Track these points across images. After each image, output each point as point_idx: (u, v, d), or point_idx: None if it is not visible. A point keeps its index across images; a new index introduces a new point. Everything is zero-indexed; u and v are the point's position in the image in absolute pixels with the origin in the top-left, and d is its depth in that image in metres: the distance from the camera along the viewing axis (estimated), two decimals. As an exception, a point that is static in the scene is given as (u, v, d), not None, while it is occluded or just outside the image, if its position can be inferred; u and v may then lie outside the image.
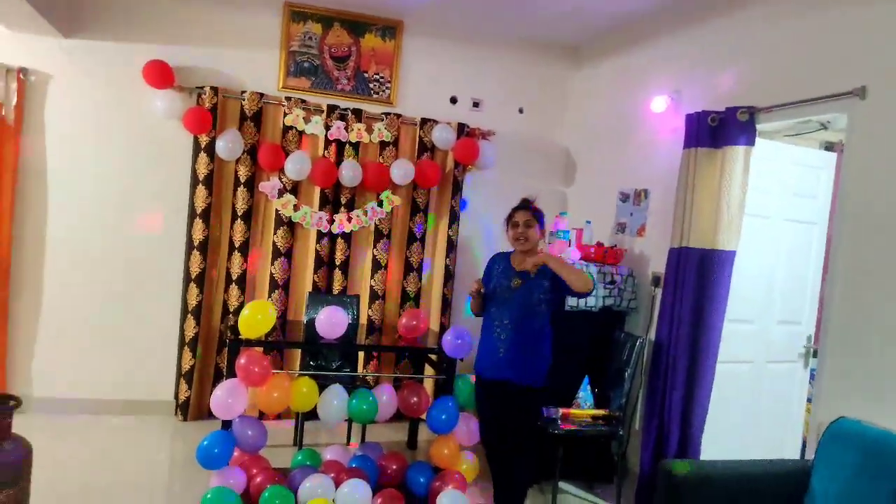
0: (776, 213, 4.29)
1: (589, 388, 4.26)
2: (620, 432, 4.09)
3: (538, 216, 3.61)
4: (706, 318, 3.93)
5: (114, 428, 4.70)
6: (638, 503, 4.16)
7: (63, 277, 4.80)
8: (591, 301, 4.40)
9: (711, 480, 3.06)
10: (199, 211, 4.87)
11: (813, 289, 4.47)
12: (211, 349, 4.99)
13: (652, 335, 4.33)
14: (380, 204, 5.20)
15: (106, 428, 4.68)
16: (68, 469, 3.99)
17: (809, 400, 4.71)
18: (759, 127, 3.90)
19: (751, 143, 3.90)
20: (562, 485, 4.28)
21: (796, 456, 4.51)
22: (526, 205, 3.63)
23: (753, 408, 4.30)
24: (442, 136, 5.22)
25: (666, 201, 4.43)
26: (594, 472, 4.46)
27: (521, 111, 5.65)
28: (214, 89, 4.86)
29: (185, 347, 4.91)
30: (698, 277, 3.98)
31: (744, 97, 3.95)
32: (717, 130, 4.01)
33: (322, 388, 4.07)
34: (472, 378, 4.03)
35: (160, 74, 4.75)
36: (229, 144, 4.82)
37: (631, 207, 4.83)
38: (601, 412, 4.17)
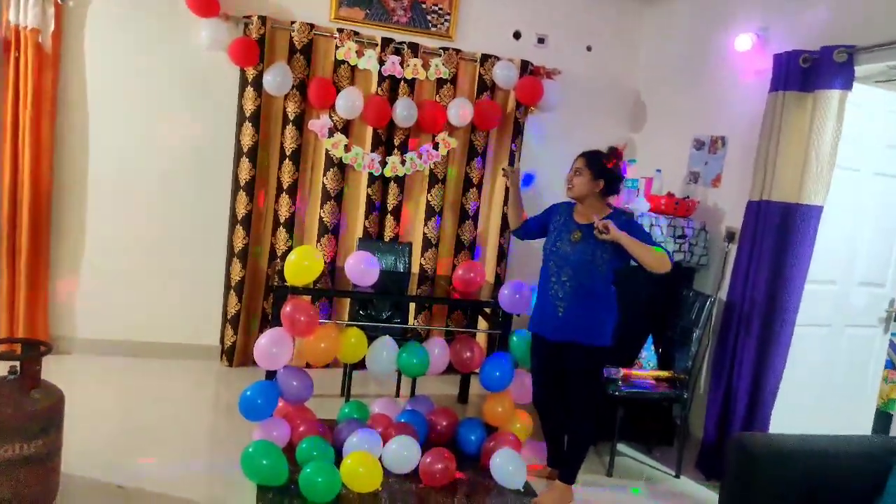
0: (865, 166, 4.02)
1: (653, 347, 4.10)
2: (685, 396, 3.94)
3: (593, 165, 3.42)
4: (786, 278, 3.73)
5: (157, 371, 4.74)
6: (699, 469, 4.05)
7: (106, 217, 4.78)
8: (658, 256, 4.19)
9: (788, 456, 2.90)
10: (245, 149, 4.78)
11: (901, 249, 4.23)
12: (258, 294, 4.98)
13: (723, 294, 4.14)
14: (435, 146, 5.02)
15: (149, 371, 4.72)
16: (109, 412, 4.02)
17: (889, 366, 4.50)
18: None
19: (847, 87, 3.63)
20: (619, 447, 4.17)
21: (868, 427, 4.35)
22: (585, 152, 3.48)
23: (827, 375, 4.11)
24: (503, 74, 5.00)
25: (745, 150, 4.18)
26: (653, 435, 4.35)
27: (588, 49, 5.38)
28: (262, 19, 4.70)
29: (231, 291, 4.90)
30: (779, 233, 3.77)
31: (839, 35, 3.65)
32: (809, 72, 3.73)
33: (371, 339, 4.01)
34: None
35: (205, 2, 4.60)
36: (278, 79, 4.69)
37: (706, 156, 4.57)
38: (665, 374, 4.03)
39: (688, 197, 4.47)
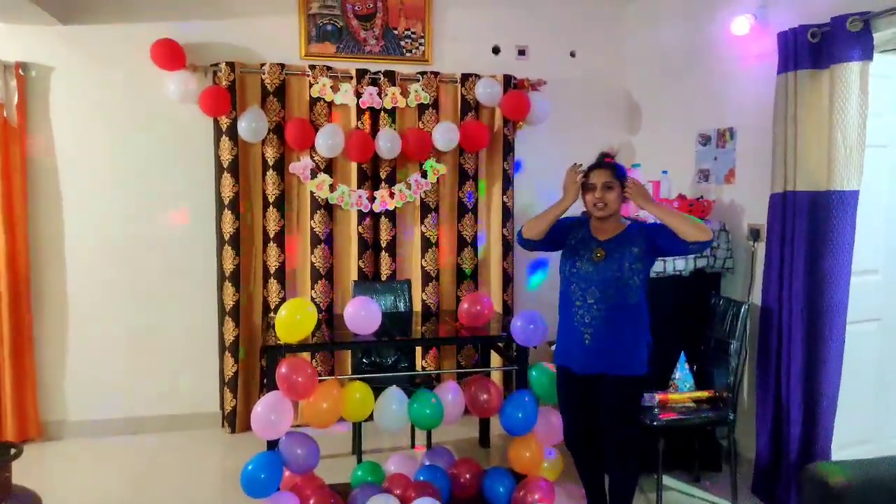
0: (893, 141, 3.40)
1: (686, 366, 3.46)
2: (731, 416, 3.29)
3: (620, 175, 2.80)
4: (827, 274, 3.13)
5: (156, 448, 4.10)
6: (756, 495, 3.41)
7: (88, 287, 4.20)
8: (679, 264, 3.58)
9: (873, 486, 2.27)
10: (226, 201, 4.21)
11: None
12: (254, 352, 4.35)
13: (756, 298, 3.51)
14: (424, 175, 4.43)
15: (148, 448, 4.09)
16: (107, 499, 3.42)
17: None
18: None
19: (868, 56, 3.05)
20: (664, 479, 3.50)
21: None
22: (603, 162, 2.82)
23: (885, 374, 3.47)
24: (486, 92, 4.41)
25: (758, 140, 3.59)
26: (698, 461, 3.68)
27: (572, 55, 4.79)
28: (230, 65, 4.15)
29: (227, 352, 4.28)
30: (812, 225, 3.17)
31: (846, 4, 3.06)
32: (820, 47, 3.16)
33: (378, 391, 3.37)
34: (550, 366, 3.28)
35: (169, 54, 4.06)
36: (252, 124, 4.13)
37: (714, 151, 3.97)
38: (704, 394, 3.40)
39: (701, 197, 3.85)
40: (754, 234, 3.62)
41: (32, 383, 4.09)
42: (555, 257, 3.06)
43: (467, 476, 3.40)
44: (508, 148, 4.57)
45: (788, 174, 3.25)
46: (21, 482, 2.68)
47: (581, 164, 2.88)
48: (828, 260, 3.10)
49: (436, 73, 4.43)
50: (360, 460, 3.69)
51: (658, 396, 3.33)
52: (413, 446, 4.04)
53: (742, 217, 3.74)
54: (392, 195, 4.39)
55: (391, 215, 4.44)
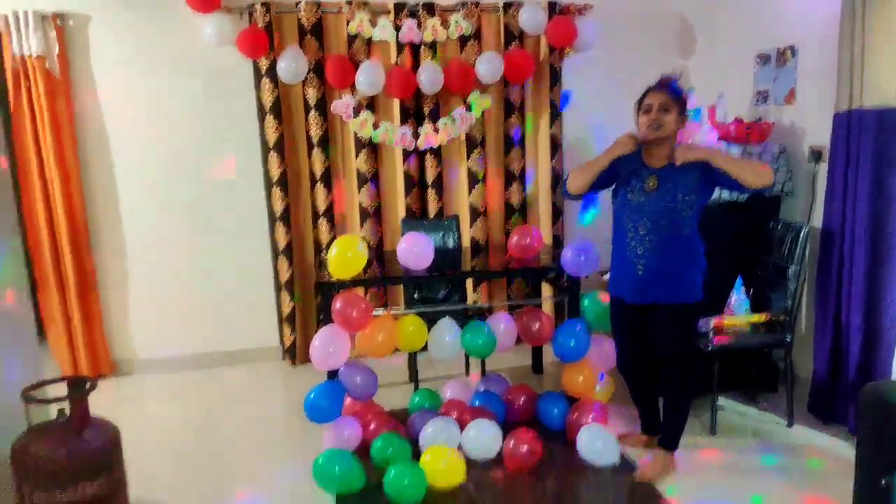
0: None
1: (743, 289, 3.39)
2: (788, 339, 3.24)
3: (678, 98, 2.71)
4: (893, 194, 2.98)
5: (221, 381, 4.26)
6: (813, 413, 3.38)
7: (143, 231, 4.28)
8: (735, 189, 3.46)
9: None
10: (271, 144, 4.20)
11: None
12: (309, 289, 4.42)
13: (817, 222, 3.39)
14: (468, 108, 4.34)
15: (213, 382, 4.24)
16: (175, 431, 3.60)
17: None
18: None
19: (946, -44, 2.81)
20: (719, 401, 3.49)
21: None
22: (663, 84, 2.73)
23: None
24: (531, 19, 4.26)
25: (821, 57, 3.42)
26: (755, 383, 3.65)
27: (619, -25, 4.58)
28: (266, 5, 4.08)
29: (282, 290, 4.36)
30: (879, 144, 3.02)
31: None
32: (893, -52, 2.92)
33: (431, 322, 3.41)
34: (604, 297, 3.26)
35: (205, -3, 3.98)
36: (292, 65, 4.07)
37: (773, 71, 3.79)
38: (761, 317, 3.34)
39: (759, 119, 3.70)
40: (816, 155, 3.48)
41: (100, 323, 4.24)
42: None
43: (522, 400, 3.45)
44: (555, 77, 4.43)
45: (854, 91, 3.08)
46: (97, 414, 2.80)
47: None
48: (895, 181, 2.98)
49: (476, 3, 4.28)
50: (416, 388, 3.76)
51: (713, 321, 3.28)
52: (468, 374, 4.10)
53: (802, 139, 3.58)
54: (436, 131, 4.32)
55: (436, 151, 4.38)
